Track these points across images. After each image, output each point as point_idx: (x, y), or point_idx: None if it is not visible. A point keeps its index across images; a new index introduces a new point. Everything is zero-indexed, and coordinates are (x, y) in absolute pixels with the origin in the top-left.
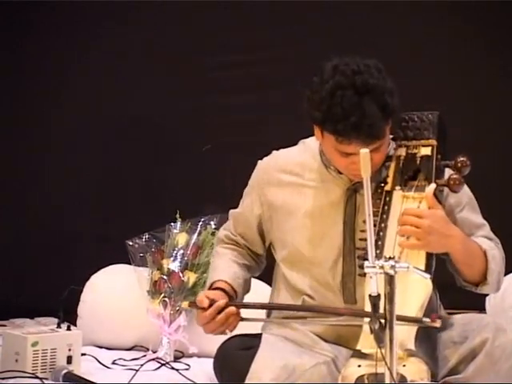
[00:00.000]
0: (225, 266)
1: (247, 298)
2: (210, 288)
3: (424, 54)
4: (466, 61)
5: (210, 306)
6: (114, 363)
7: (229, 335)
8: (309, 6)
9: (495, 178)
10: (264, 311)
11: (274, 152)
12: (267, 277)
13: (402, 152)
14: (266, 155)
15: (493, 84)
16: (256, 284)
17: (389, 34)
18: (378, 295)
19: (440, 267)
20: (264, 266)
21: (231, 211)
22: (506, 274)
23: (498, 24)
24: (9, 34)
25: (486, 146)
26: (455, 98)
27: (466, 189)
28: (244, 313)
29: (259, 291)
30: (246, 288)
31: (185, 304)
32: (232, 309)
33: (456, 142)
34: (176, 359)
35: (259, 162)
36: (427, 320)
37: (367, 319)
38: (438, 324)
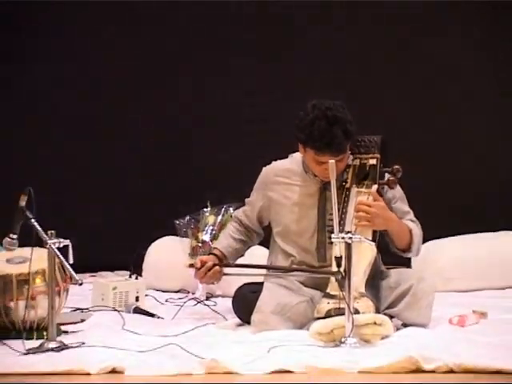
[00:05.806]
0: (222, 239)
1: (247, 259)
2: (210, 252)
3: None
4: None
5: (202, 266)
6: (166, 301)
7: (241, 283)
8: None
9: (416, 181)
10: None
11: (273, 162)
12: (265, 244)
13: (357, 162)
14: (268, 163)
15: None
16: (257, 248)
17: (365, 79)
18: (341, 256)
19: (381, 239)
20: (258, 240)
21: (247, 199)
22: (426, 242)
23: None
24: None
25: (412, 158)
26: (397, 123)
27: (398, 187)
28: (229, 270)
29: (260, 253)
30: (236, 255)
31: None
32: (216, 268)
33: (396, 154)
34: (207, 298)
35: (263, 168)
36: None
37: (335, 270)
38: None
